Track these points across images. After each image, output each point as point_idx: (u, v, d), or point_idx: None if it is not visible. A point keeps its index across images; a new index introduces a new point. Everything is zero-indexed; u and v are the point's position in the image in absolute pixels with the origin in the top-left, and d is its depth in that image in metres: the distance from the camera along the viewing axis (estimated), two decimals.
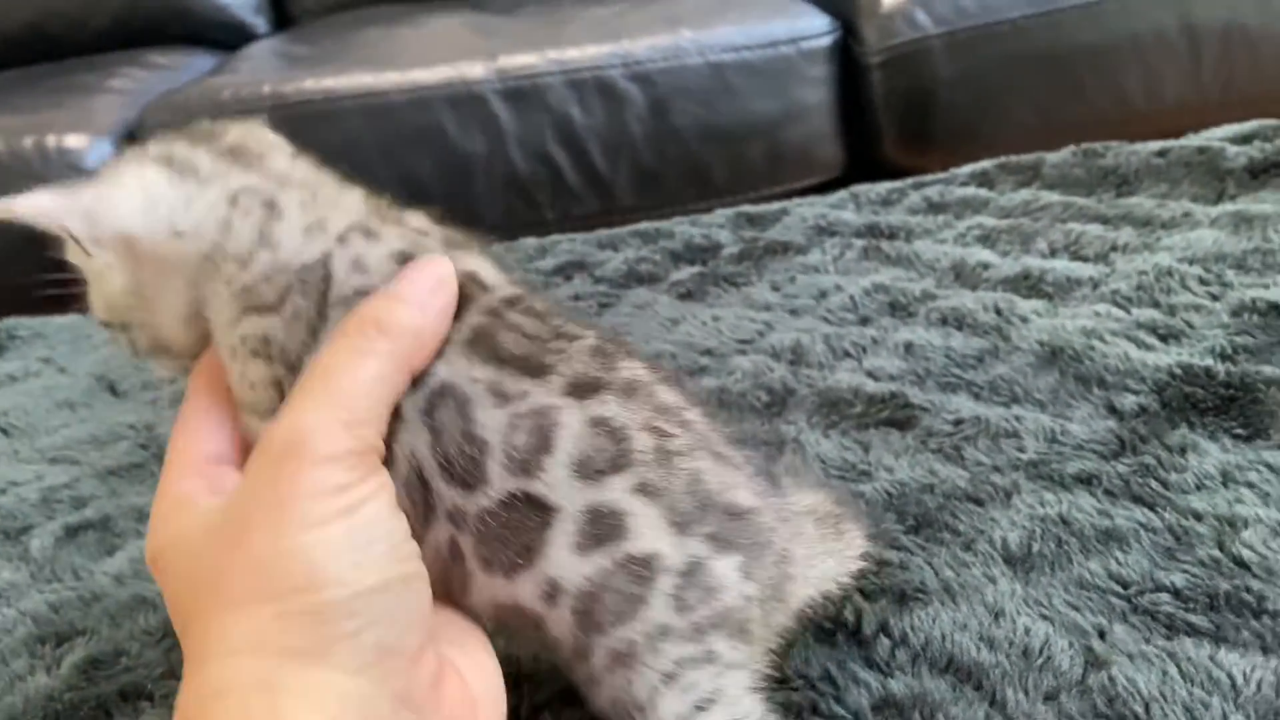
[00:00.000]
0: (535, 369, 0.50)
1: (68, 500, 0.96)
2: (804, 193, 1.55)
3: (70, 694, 0.71)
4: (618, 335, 0.56)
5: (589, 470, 0.49)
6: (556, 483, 0.48)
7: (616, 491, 0.49)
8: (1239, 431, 0.79)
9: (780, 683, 0.60)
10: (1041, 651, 0.62)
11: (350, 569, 0.43)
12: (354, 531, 0.44)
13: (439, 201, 2.11)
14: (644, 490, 0.49)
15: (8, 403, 1.19)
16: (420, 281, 0.50)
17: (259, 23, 2.75)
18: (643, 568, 0.49)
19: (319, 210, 0.54)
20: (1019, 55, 2.01)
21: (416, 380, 0.50)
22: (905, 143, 2.08)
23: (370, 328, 0.48)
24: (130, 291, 0.54)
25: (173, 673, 0.72)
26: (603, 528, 0.49)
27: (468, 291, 0.53)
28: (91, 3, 2.71)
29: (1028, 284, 1.08)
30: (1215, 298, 0.99)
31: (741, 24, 2.08)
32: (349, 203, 0.57)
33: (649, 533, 0.49)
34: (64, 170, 1.98)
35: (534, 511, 0.49)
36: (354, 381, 0.47)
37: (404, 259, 0.53)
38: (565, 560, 0.48)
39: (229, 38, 2.68)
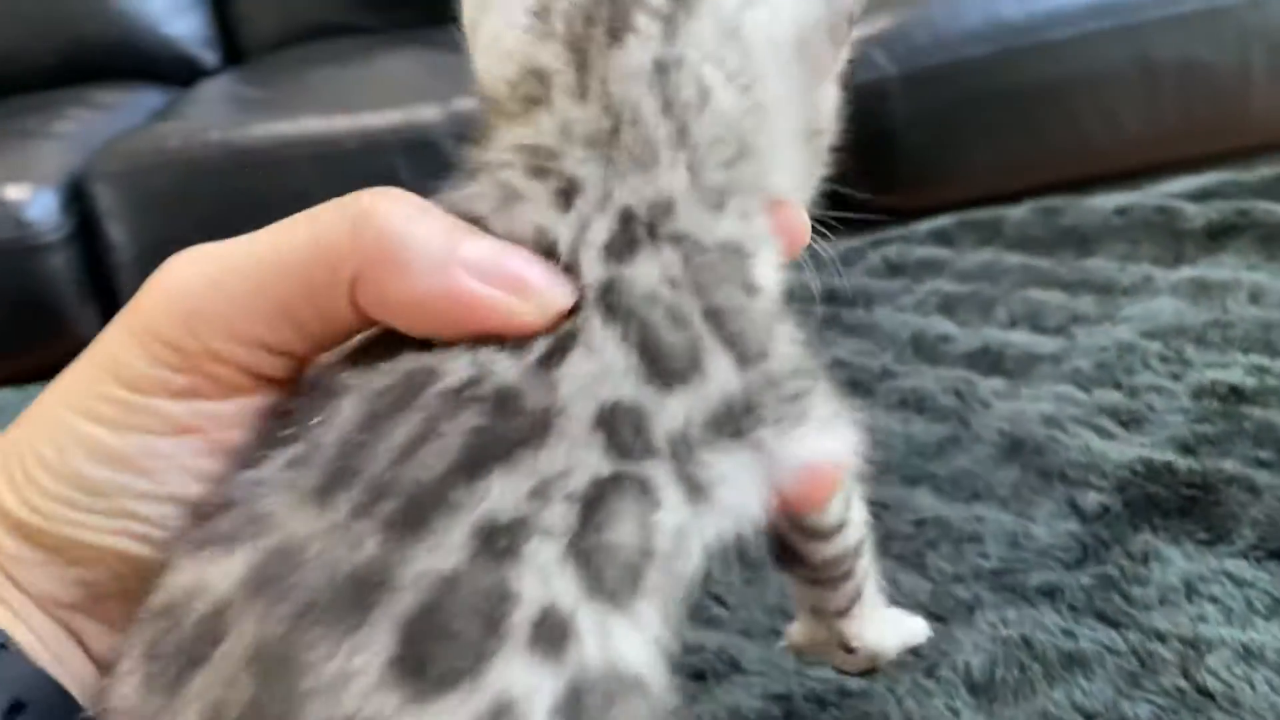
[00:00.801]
0: None
1: None
2: None
3: None
4: None
5: None
6: None
7: None
8: (1201, 536, 0.78)
9: None
10: None
11: None
12: None
13: None
14: None
15: None
16: None
17: (208, 56, 2.71)
18: None
19: None
20: (978, 94, 2.01)
21: None
22: (867, 184, 2.07)
23: None
24: None
25: None
26: None
27: None
28: (36, 39, 2.65)
29: (988, 360, 1.07)
30: (1176, 377, 0.98)
31: None
32: None
33: None
34: (6, 223, 1.93)
35: None
36: None
37: None
38: None
39: (178, 72, 2.63)
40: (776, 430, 0.38)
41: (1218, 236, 1.23)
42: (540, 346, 0.35)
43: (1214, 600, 0.72)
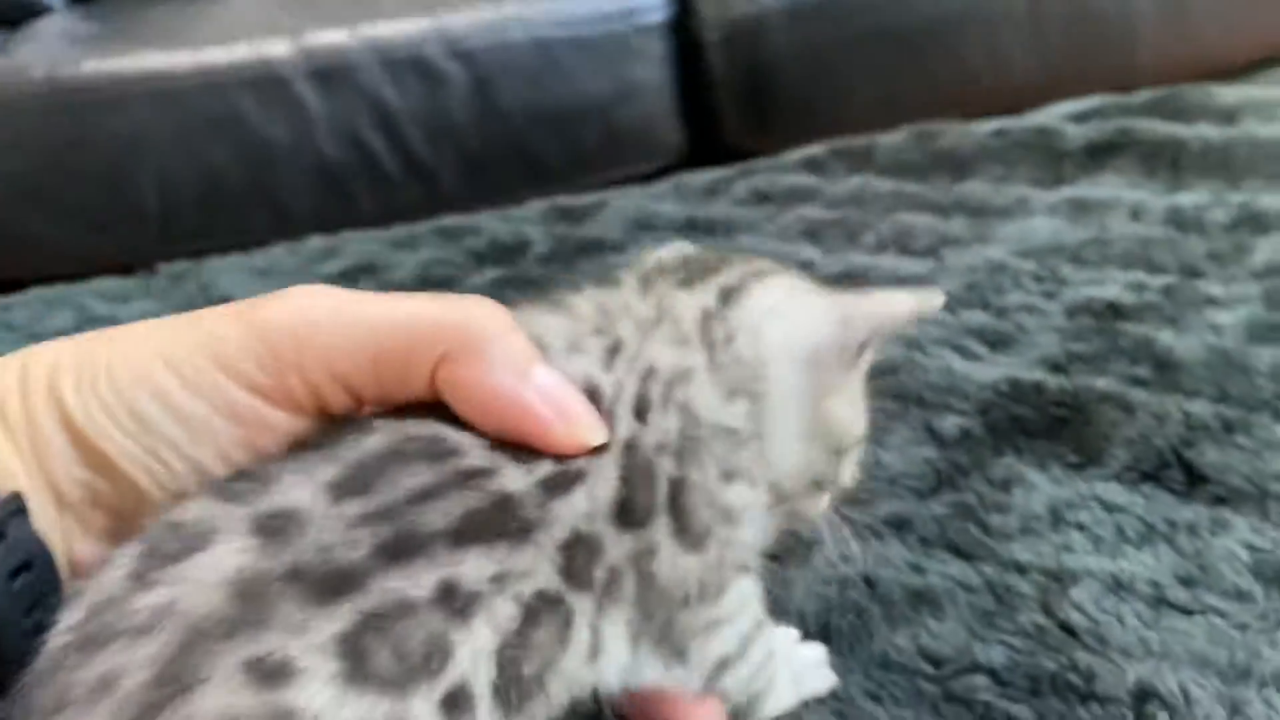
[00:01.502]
0: None
1: None
2: (646, 178, 1.43)
3: None
4: None
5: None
6: None
7: None
8: (1071, 459, 0.69)
9: None
10: None
11: None
12: None
13: (240, 196, 1.90)
14: None
15: None
16: None
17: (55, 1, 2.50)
18: None
19: None
20: (862, 30, 1.92)
21: None
22: (746, 124, 1.97)
23: None
24: None
25: None
26: None
27: None
28: None
29: (851, 282, 0.98)
30: (1049, 295, 0.90)
31: None
32: None
33: None
34: None
35: None
36: None
37: None
38: None
39: (18, 15, 2.43)
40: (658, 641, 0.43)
41: (1098, 156, 1.15)
42: (546, 470, 0.40)
43: (1081, 528, 0.63)
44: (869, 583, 0.61)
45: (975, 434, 0.73)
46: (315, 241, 1.30)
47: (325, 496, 0.37)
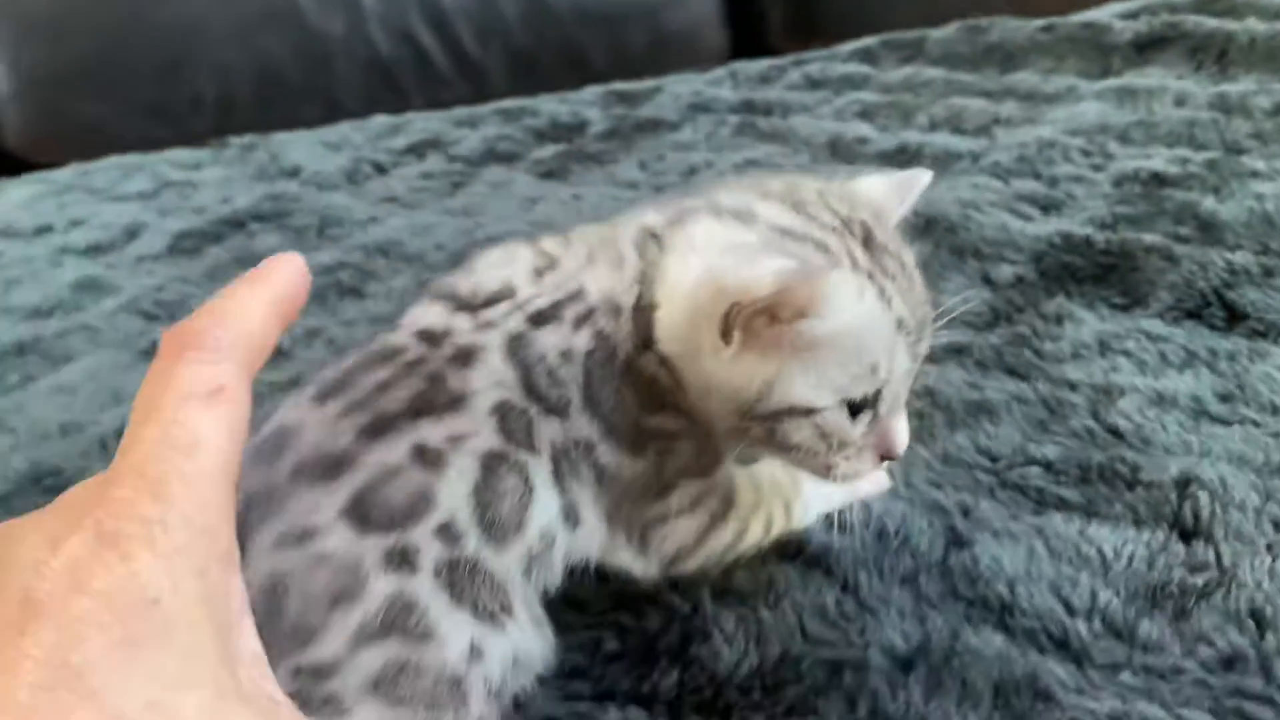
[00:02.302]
0: None
1: None
2: None
3: None
4: None
5: None
6: None
7: None
8: (1117, 300, 0.74)
9: None
10: (899, 531, 0.56)
11: None
12: None
13: (294, 86, 1.94)
14: None
15: None
16: None
17: None
18: None
19: None
20: None
21: None
22: (791, 28, 1.99)
23: None
24: None
25: None
26: None
27: None
28: None
29: (904, 158, 1.02)
30: (1097, 168, 0.94)
31: None
32: None
33: None
34: None
35: None
36: None
37: None
38: None
39: None
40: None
41: (1145, 49, 1.18)
42: (450, 350, 0.48)
43: (1127, 354, 0.68)
44: (930, 393, 0.66)
45: (1028, 279, 0.78)
46: (381, 119, 1.35)
47: (312, 405, 0.46)
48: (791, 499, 0.56)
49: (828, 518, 0.57)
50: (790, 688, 0.48)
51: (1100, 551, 0.53)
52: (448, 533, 0.44)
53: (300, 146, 1.28)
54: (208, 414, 0.37)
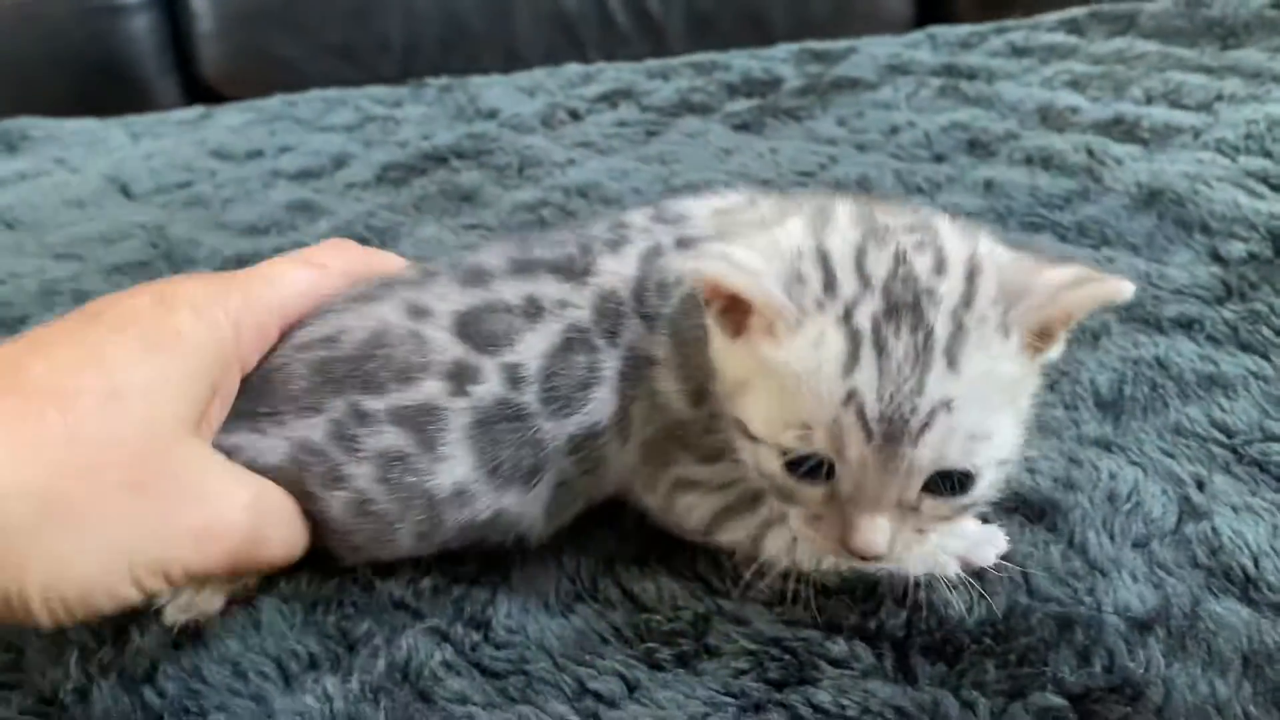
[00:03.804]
0: None
1: (69, 293, 0.90)
2: None
3: None
4: None
5: None
6: None
7: None
8: None
9: None
10: (1130, 494, 0.54)
11: None
12: None
13: (478, 35, 1.99)
14: None
15: (14, 198, 1.12)
16: None
17: None
18: None
19: None
20: None
21: None
22: (981, 3, 1.94)
23: None
24: None
25: None
26: None
27: None
28: None
29: (1121, 129, 0.98)
30: None
31: None
32: None
33: None
34: None
35: None
36: None
37: None
38: None
39: None
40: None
41: None
42: (613, 237, 0.55)
43: None
44: (1161, 364, 0.64)
45: (1263, 256, 0.74)
46: (573, 67, 1.36)
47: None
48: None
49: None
50: (1020, 638, 0.47)
51: None
52: (512, 375, 0.51)
53: (495, 90, 1.31)
54: (296, 270, 0.55)
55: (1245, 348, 0.65)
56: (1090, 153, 0.92)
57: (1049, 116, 1.03)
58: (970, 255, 0.46)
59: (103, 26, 1.94)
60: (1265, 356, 0.64)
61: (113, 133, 1.32)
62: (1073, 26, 1.28)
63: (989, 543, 0.52)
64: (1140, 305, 0.70)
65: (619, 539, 0.55)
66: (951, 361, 0.43)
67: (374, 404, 0.51)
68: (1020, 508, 0.55)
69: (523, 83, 1.33)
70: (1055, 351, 0.47)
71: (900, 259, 0.45)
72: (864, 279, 0.44)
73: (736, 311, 0.45)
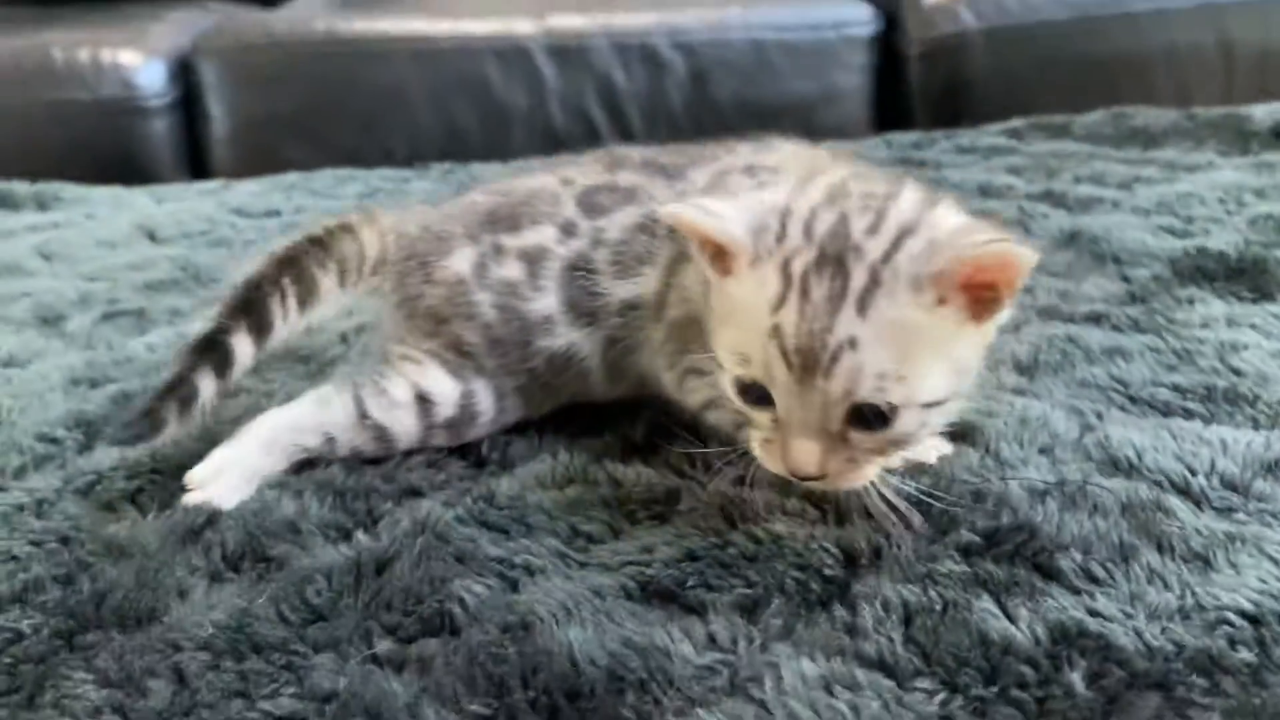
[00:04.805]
0: None
1: (104, 299, 0.99)
2: None
3: (103, 414, 0.74)
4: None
5: None
6: None
7: None
8: (1246, 294, 0.82)
9: None
10: (1039, 420, 0.64)
11: None
12: None
13: (477, 149, 2.12)
14: None
15: (49, 239, 1.23)
16: None
17: None
18: None
19: None
20: (1056, 56, 2.05)
21: None
22: (938, 127, 2.11)
23: None
24: None
25: None
26: None
27: None
28: None
29: (1051, 200, 1.11)
30: (1232, 213, 1.02)
31: (788, 6, 2.13)
32: None
33: None
34: (116, 85, 2.03)
35: None
36: None
37: None
38: None
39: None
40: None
41: None
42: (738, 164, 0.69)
43: (1253, 326, 0.76)
44: (1072, 340, 0.75)
45: (1163, 277, 0.86)
46: (566, 158, 1.50)
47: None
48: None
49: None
50: (942, 503, 0.56)
51: (1221, 439, 0.60)
52: (598, 237, 0.67)
53: (494, 170, 1.44)
54: None
55: (1142, 330, 0.76)
56: (1022, 210, 1.05)
57: (988, 191, 1.16)
58: (910, 220, 0.54)
59: (124, 125, 2.07)
60: (1159, 335, 0.75)
61: (138, 197, 1.44)
62: (1013, 133, 1.43)
63: (932, 447, 0.61)
64: (1057, 308, 0.82)
65: (605, 441, 0.65)
66: (861, 308, 0.51)
67: (510, 241, 0.68)
68: (945, 431, 0.64)
69: (520, 168, 1.47)
70: (1004, 315, 0.54)
71: (843, 220, 0.53)
72: (808, 234, 0.53)
73: (723, 257, 0.54)
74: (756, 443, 0.55)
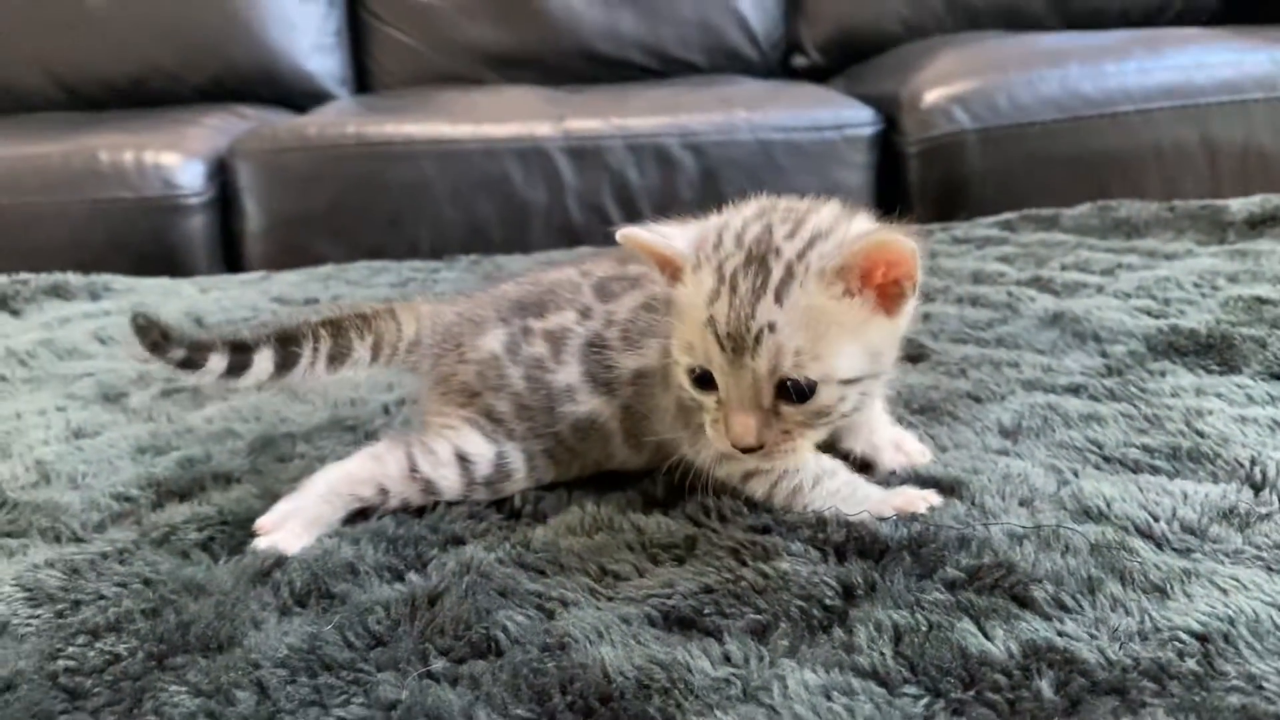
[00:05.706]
0: None
1: (160, 377, 1.07)
2: None
3: (171, 476, 0.81)
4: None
5: None
6: None
7: None
8: (1214, 367, 0.89)
9: None
10: (1019, 476, 0.71)
11: None
12: None
13: (497, 243, 2.24)
14: None
15: (105, 324, 1.31)
16: None
17: (342, 93, 2.96)
18: None
19: None
20: (1047, 154, 2.15)
21: None
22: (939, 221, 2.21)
23: None
24: None
25: (254, 468, 0.82)
26: None
27: None
28: (190, 62, 2.92)
29: (1038, 284, 1.20)
30: (1206, 295, 1.09)
31: (792, 109, 2.25)
32: None
33: None
34: (157, 184, 2.14)
35: None
36: None
37: None
38: None
39: (312, 105, 2.87)
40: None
41: (1258, 225, 1.35)
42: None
43: (1219, 395, 0.83)
44: (1051, 407, 0.82)
45: (1138, 352, 0.93)
46: (585, 249, 1.60)
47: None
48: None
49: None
50: (930, 545, 0.62)
51: (1184, 491, 0.67)
52: (610, 317, 0.75)
53: (519, 262, 1.53)
54: None
55: (1117, 399, 0.84)
56: (1010, 294, 1.13)
57: (980, 278, 1.25)
58: (825, 227, 0.65)
59: (165, 222, 2.18)
60: (1131, 403, 0.82)
61: (184, 287, 1.53)
62: (1006, 225, 1.53)
63: (923, 499, 0.69)
64: (1040, 380, 0.89)
65: (628, 496, 0.73)
66: (778, 298, 0.62)
67: (537, 324, 0.76)
68: (935, 485, 0.71)
69: (541, 259, 1.56)
70: (909, 304, 0.65)
71: (768, 228, 0.65)
72: (739, 242, 0.65)
73: (673, 268, 0.67)
74: (708, 425, 0.66)
